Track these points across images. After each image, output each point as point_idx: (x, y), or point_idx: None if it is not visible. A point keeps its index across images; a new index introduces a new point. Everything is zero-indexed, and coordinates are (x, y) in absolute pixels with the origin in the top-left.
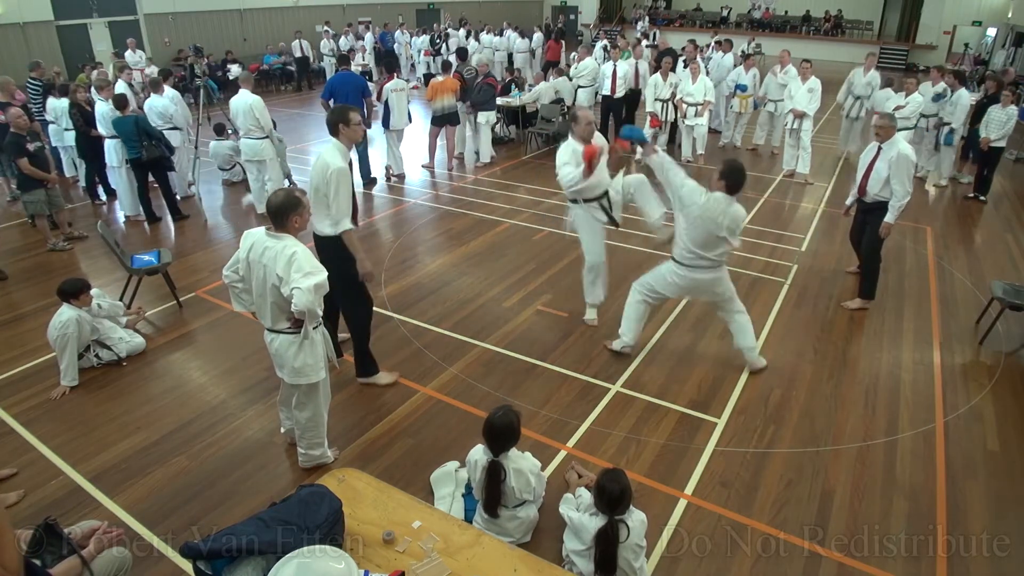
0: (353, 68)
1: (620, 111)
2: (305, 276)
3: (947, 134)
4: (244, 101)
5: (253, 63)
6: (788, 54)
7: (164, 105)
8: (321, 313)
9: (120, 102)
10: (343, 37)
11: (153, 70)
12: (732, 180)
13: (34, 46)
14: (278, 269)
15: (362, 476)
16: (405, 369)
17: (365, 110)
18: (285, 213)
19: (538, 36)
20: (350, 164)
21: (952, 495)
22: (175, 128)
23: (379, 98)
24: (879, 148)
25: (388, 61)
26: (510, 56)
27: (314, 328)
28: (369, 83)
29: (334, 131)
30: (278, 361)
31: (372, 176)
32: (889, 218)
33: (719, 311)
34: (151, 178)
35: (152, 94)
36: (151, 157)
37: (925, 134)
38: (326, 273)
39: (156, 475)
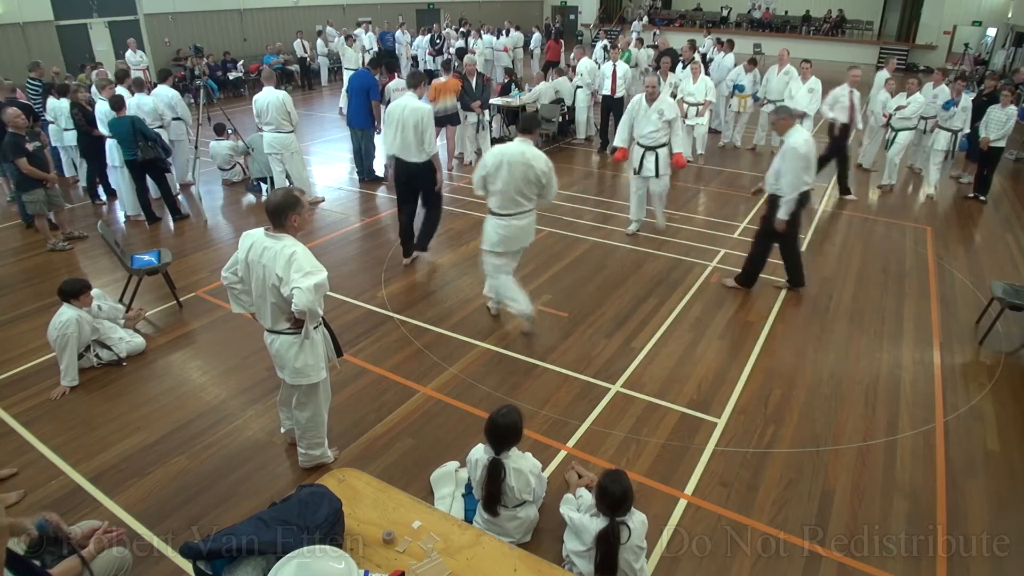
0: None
1: (620, 111)
2: (305, 276)
3: (962, 140)
4: (275, 96)
5: (253, 63)
6: (787, 53)
7: (145, 101)
8: (322, 313)
9: (116, 103)
10: (339, 37)
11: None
12: (525, 124)
13: (34, 46)
14: (278, 269)
15: (362, 476)
16: (405, 369)
17: (373, 111)
18: (284, 212)
19: (537, 36)
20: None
21: (952, 495)
22: (178, 119)
23: (380, 98)
24: (782, 142)
25: (388, 61)
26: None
27: (314, 328)
28: None
29: (416, 85)
30: (279, 362)
31: (376, 174)
32: (781, 214)
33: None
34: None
35: (138, 92)
36: (146, 158)
37: (923, 135)
38: (326, 273)
39: (156, 475)
